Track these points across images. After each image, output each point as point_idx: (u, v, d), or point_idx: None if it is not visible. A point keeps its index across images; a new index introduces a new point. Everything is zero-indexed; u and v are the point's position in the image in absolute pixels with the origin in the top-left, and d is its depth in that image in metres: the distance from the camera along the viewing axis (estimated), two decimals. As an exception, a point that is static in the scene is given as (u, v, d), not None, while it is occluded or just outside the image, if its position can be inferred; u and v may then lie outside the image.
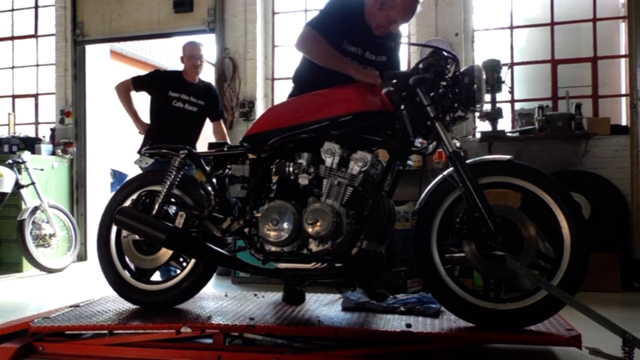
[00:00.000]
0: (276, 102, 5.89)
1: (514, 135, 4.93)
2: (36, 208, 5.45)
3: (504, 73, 4.80)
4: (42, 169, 5.75)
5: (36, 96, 6.97)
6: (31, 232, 5.37)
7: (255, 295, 3.24)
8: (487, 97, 4.69)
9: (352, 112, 2.47)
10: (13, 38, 7.21)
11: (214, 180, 2.82)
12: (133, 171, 6.55)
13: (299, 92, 2.86)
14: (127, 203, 2.92)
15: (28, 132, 6.78)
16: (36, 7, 6.94)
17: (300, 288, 3.03)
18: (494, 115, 4.77)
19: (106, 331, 2.66)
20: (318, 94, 2.61)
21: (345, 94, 2.53)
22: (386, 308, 2.74)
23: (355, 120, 2.47)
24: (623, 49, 5.30)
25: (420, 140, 2.59)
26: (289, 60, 5.90)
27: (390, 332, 2.38)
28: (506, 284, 2.99)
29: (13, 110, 6.93)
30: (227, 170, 2.79)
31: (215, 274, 4.23)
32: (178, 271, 2.92)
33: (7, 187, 5.36)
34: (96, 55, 6.65)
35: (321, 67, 2.74)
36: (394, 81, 2.50)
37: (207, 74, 5.11)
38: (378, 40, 2.81)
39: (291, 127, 2.57)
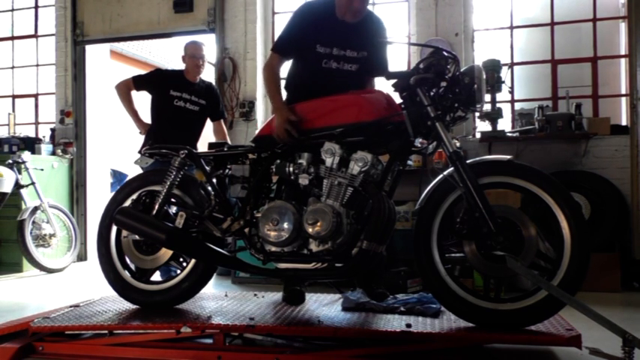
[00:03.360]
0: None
1: (514, 135, 4.93)
2: (36, 208, 5.45)
3: (504, 73, 4.80)
4: (42, 169, 5.75)
5: (36, 96, 6.97)
6: (31, 232, 5.37)
7: (255, 295, 3.24)
8: (487, 97, 4.69)
9: (369, 120, 2.47)
10: (13, 38, 7.21)
11: (214, 180, 2.82)
12: (133, 171, 6.55)
13: (291, 99, 2.89)
14: (127, 203, 2.92)
15: (28, 132, 6.78)
16: (36, 7, 6.94)
17: (300, 288, 3.02)
18: (494, 115, 4.77)
19: (106, 331, 2.66)
20: (333, 100, 2.62)
21: (360, 101, 2.55)
22: (386, 308, 2.74)
23: (370, 127, 2.47)
24: (623, 49, 5.30)
25: (420, 140, 2.59)
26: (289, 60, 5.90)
27: (390, 332, 2.39)
28: (507, 284, 2.99)
29: (13, 110, 6.93)
30: (227, 170, 2.79)
31: (215, 274, 4.23)
32: (178, 271, 2.92)
33: (7, 187, 5.36)
34: (96, 55, 6.65)
35: (303, 78, 2.88)
36: (395, 80, 2.49)
37: (207, 74, 5.11)
38: (358, 36, 2.80)
39: (306, 131, 2.58)
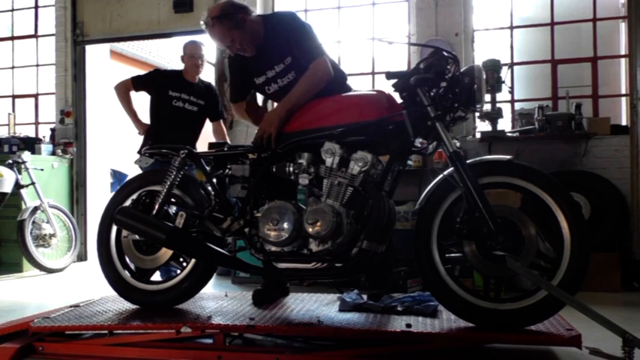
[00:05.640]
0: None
1: (514, 135, 4.93)
2: (36, 208, 5.45)
3: (504, 73, 4.81)
4: (42, 169, 5.75)
5: (36, 96, 6.97)
6: (31, 232, 5.38)
7: (255, 295, 3.23)
8: (487, 97, 4.69)
9: (370, 119, 2.46)
10: (13, 38, 7.21)
11: (214, 180, 2.82)
12: (133, 171, 6.55)
13: None
14: (127, 203, 2.92)
15: (28, 132, 6.78)
16: (36, 7, 6.94)
17: (270, 289, 3.02)
18: (494, 115, 4.78)
19: (106, 331, 2.66)
20: (334, 100, 2.62)
21: (361, 100, 2.56)
22: (383, 308, 2.74)
23: (371, 126, 2.46)
24: (623, 49, 5.30)
25: (420, 140, 2.59)
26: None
27: (390, 332, 2.38)
28: (507, 284, 2.99)
29: (13, 110, 6.93)
30: (227, 170, 2.79)
31: (215, 274, 4.23)
32: (178, 271, 2.92)
33: (7, 187, 5.36)
34: (96, 55, 6.66)
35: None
36: (395, 80, 2.49)
37: (208, 74, 5.10)
38: (273, 50, 2.83)
39: (315, 130, 2.56)
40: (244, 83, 3.00)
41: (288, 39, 2.80)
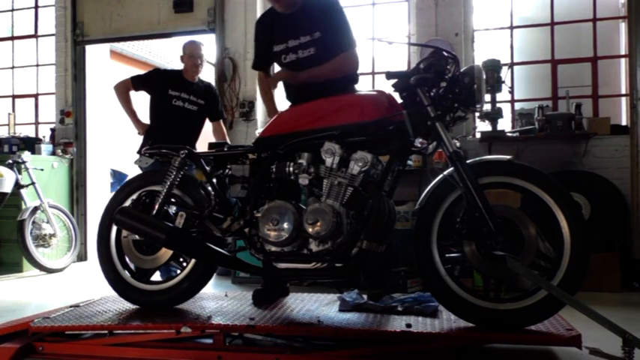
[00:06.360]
0: (276, 102, 5.88)
1: (514, 135, 4.93)
2: (36, 208, 5.45)
3: (504, 73, 4.81)
4: (42, 169, 5.75)
5: (36, 96, 6.98)
6: (31, 232, 5.38)
7: (255, 295, 3.23)
8: (487, 97, 4.69)
9: (370, 119, 2.46)
10: (13, 38, 7.21)
11: (214, 180, 2.82)
12: (133, 171, 6.55)
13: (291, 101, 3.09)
14: (127, 203, 2.92)
15: (28, 132, 6.78)
16: (36, 7, 6.94)
17: (270, 289, 3.02)
18: (494, 115, 4.78)
19: (106, 331, 2.66)
20: (334, 100, 2.62)
21: (362, 101, 2.57)
22: (384, 308, 2.74)
23: (371, 126, 2.46)
24: (623, 49, 5.31)
25: (420, 140, 2.60)
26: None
27: (390, 332, 2.38)
28: (507, 284, 2.99)
29: (13, 110, 6.93)
30: (227, 170, 2.79)
31: (215, 274, 4.22)
32: (178, 271, 2.92)
33: (7, 187, 5.36)
34: (96, 55, 6.66)
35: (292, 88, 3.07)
36: (395, 80, 2.49)
37: (208, 74, 5.11)
38: (307, 20, 2.87)
39: (315, 130, 2.55)
40: (265, 49, 3.04)
41: (325, 16, 2.86)
